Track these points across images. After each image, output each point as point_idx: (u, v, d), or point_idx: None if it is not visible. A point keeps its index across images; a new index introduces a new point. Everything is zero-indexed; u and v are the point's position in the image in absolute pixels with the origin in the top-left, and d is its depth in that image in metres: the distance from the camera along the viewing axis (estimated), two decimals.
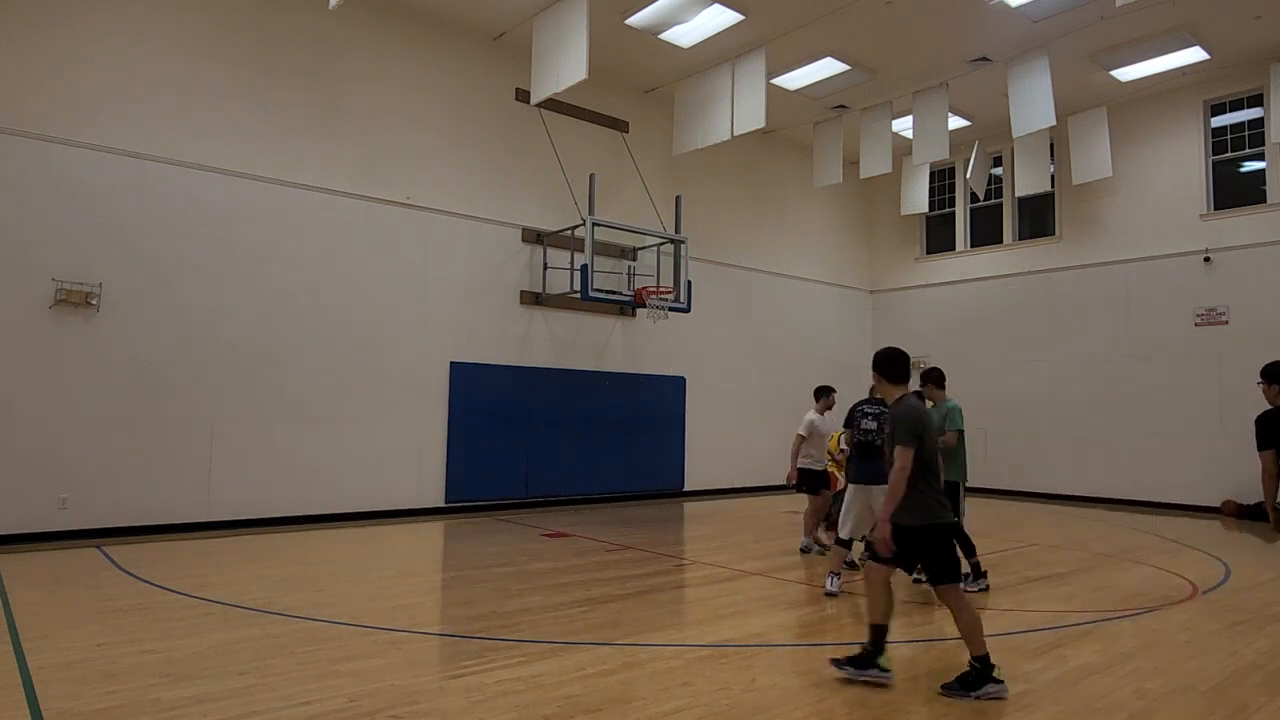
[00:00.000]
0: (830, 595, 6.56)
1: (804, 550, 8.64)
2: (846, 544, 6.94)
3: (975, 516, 11.83)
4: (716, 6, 10.90)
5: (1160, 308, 13.50)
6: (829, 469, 10.12)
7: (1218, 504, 12.64)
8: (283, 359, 10.02)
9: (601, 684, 4.35)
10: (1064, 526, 11.15)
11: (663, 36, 11.76)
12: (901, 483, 4.32)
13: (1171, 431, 13.28)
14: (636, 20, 11.27)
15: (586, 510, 12.01)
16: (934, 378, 7.37)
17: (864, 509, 6.70)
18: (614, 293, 11.91)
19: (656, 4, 10.85)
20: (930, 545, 4.37)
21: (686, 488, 14.02)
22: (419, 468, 11.04)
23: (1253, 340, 12.51)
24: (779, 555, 8.48)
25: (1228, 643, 5.34)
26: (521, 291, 12.21)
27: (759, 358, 15.37)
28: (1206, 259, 13.05)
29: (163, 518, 9.10)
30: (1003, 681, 4.26)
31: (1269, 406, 5.23)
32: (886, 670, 4.38)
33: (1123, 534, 10.32)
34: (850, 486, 6.93)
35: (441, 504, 11.24)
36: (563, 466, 12.43)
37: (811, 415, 8.79)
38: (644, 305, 11.87)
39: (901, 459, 4.34)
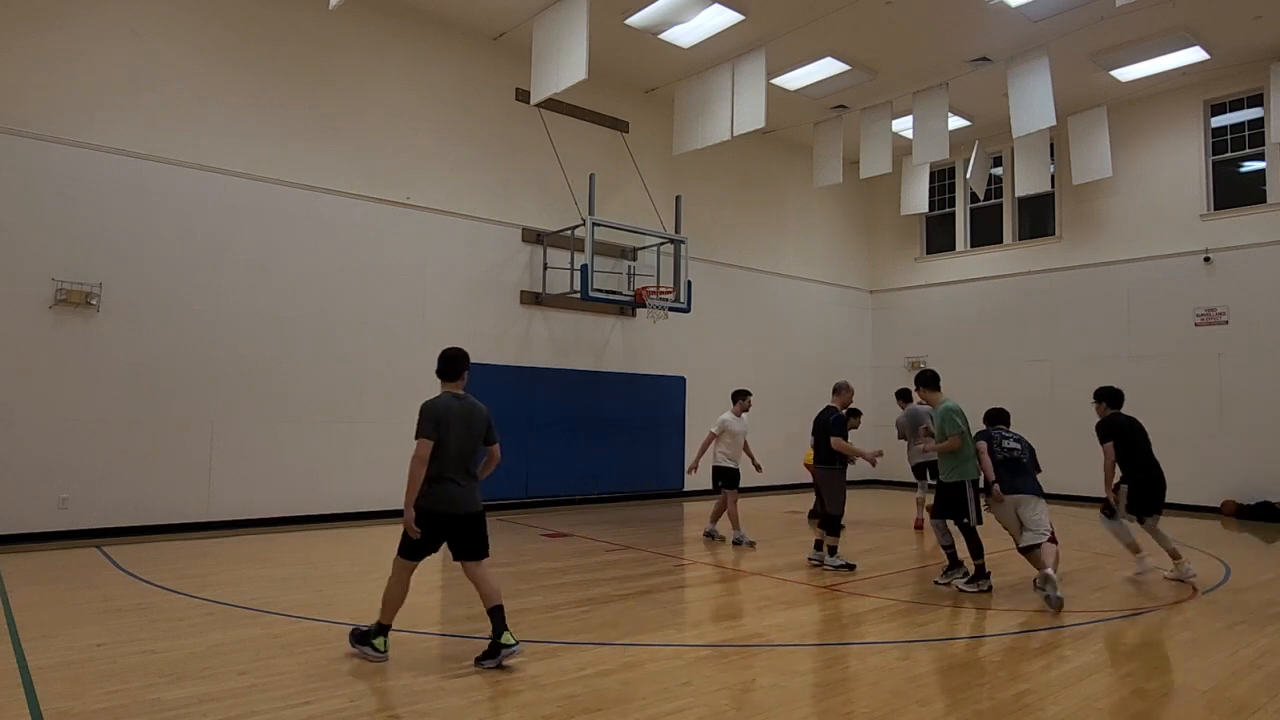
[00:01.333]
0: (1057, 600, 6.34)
1: (708, 536, 9.41)
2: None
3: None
4: (716, 6, 10.90)
5: (1160, 308, 13.50)
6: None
7: (1218, 504, 12.64)
8: (283, 359, 10.02)
9: (601, 684, 4.35)
10: (1064, 526, 11.14)
11: (663, 36, 11.76)
12: (417, 470, 4.64)
13: (1171, 431, 13.22)
14: (636, 20, 11.27)
15: (586, 510, 12.01)
16: (925, 380, 7.33)
17: (1013, 517, 6.81)
18: (614, 293, 11.90)
19: (656, 4, 10.84)
20: (442, 529, 4.76)
21: (686, 488, 14.02)
22: None
23: (1253, 340, 12.52)
24: (779, 555, 8.48)
25: (1228, 643, 5.33)
26: (521, 291, 12.21)
27: (759, 358, 15.37)
28: (1206, 259, 13.05)
29: (163, 518, 9.10)
30: (384, 651, 4.67)
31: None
32: (381, 651, 4.69)
33: None
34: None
35: None
36: (563, 466, 12.42)
37: (726, 415, 9.29)
38: (644, 305, 11.87)
39: (418, 449, 4.66)
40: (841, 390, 8.24)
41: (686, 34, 11.71)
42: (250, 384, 9.74)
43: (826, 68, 12.74)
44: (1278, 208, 12.49)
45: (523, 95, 11.93)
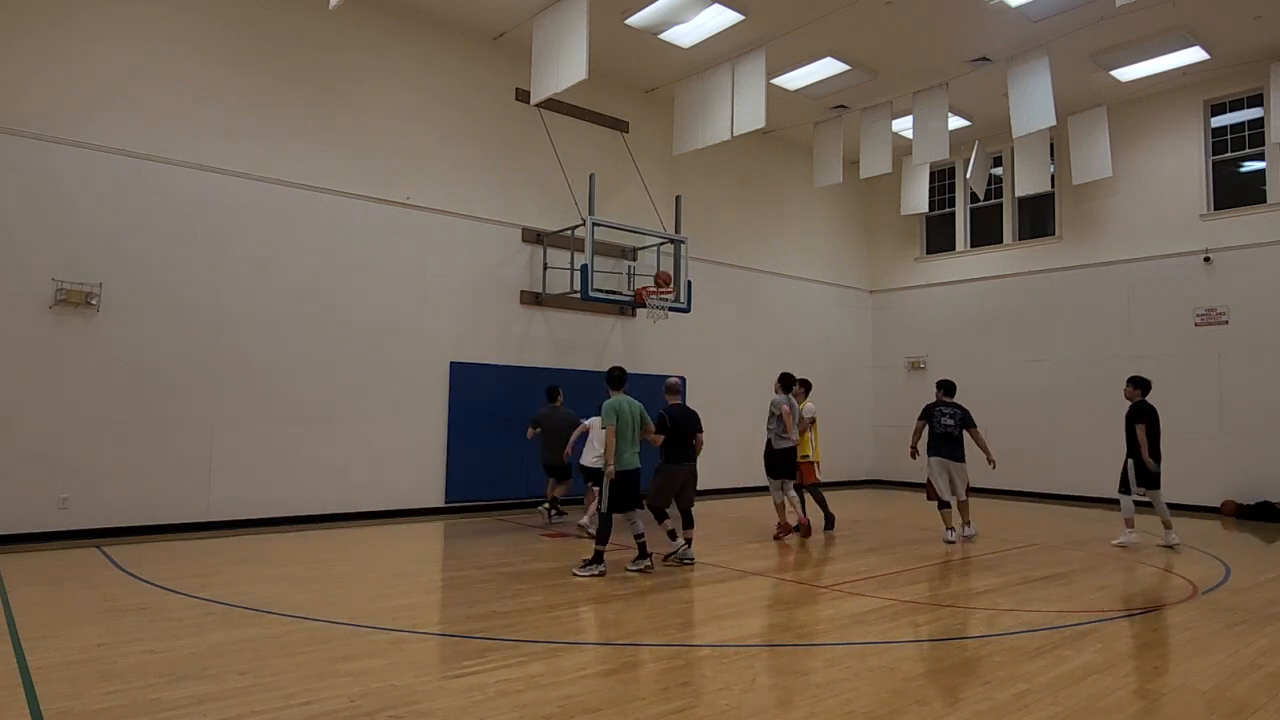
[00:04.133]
0: (950, 543, 9.20)
1: (580, 527, 9.62)
2: (948, 504, 9.37)
3: (975, 516, 11.83)
4: (716, 6, 10.90)
5: (1160, 308, 13.50)
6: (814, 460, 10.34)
7: (1218, 504, 12.64)
8: (283, 359, 10.02)
9: (601, 684, 4.35)
10: (1064, 526, 11.14)
11: (663, 36, 11.76)
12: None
13: (1171, 431, 13.21)
14: (636, 20, 11.27)
15: None
16: (609, 378, 7.74)
17: (948, 478, 9.40)
18: (614, 293, 11.90)
19: (656, 4, 10.84)
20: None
21: None
22: (419, 468, 11.03)
23: (1253, 340, 12.52)
24: (779, 555, 8.48)
25: (1228, 643, 5.33)
26: (521, 291, 12.21)
27: (759, 358, 15.36)
28: (1206, 259, 13.05)
29: (163, 518, 9.10)
30: None
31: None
32: None
33: None
34: (935, 460, 9.39)
35: (441, 504, 11.24)
36: None
37: (596, 419, 9.48)
38: (644, 305, 11.86)
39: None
40: (678, 390, 8.38)
41: (686, 34, 11.71)
42: (250, 384, 9.74)
43: (826, 68, 12.74)
44: (1278, 208, 12.49)
45: (523, 95, 11.93)
